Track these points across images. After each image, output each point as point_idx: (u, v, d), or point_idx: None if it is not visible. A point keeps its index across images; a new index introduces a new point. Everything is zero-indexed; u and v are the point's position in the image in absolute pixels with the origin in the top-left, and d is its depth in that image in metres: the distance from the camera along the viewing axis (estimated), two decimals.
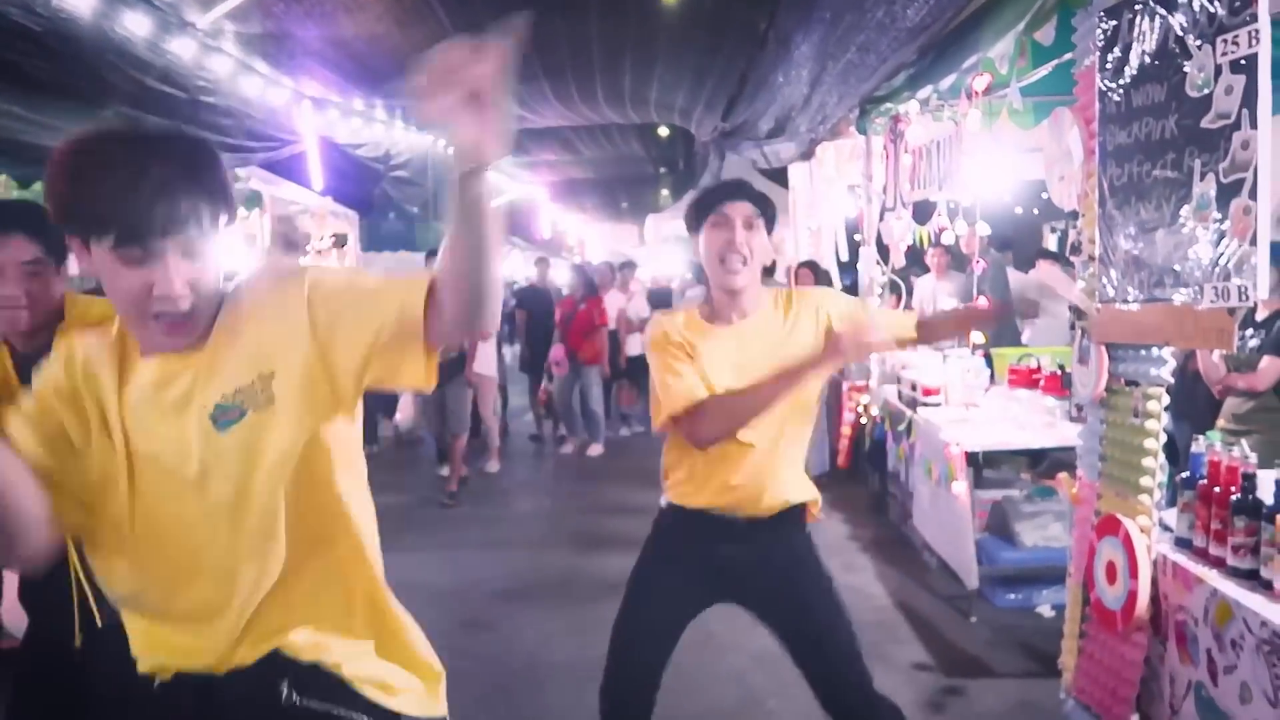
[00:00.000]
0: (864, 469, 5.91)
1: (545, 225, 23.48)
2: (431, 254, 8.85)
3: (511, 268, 19.24)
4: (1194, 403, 4.13)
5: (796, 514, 2.25)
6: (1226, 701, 2.09)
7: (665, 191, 27.63)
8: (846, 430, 5.98)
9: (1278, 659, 1.92)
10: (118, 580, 1.31)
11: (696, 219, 2.24)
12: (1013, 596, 4.08)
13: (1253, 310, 4.03)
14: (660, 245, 16.04)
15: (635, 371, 9.96)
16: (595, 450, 8.00)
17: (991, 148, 4.54)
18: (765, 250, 2.22)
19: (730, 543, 2.21)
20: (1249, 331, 4.01)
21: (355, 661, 1.34)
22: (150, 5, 6.87)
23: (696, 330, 2.23)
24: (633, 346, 9.33)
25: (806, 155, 7.06)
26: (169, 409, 1.26)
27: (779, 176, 12.61)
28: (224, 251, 1.26)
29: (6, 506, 1.14)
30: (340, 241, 11.60)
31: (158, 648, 1.32)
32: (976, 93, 4.00)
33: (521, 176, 19.08)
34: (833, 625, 2.25)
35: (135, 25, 6.79)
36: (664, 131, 16.04)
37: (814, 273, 7.10)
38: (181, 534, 1.27)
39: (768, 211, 2.25)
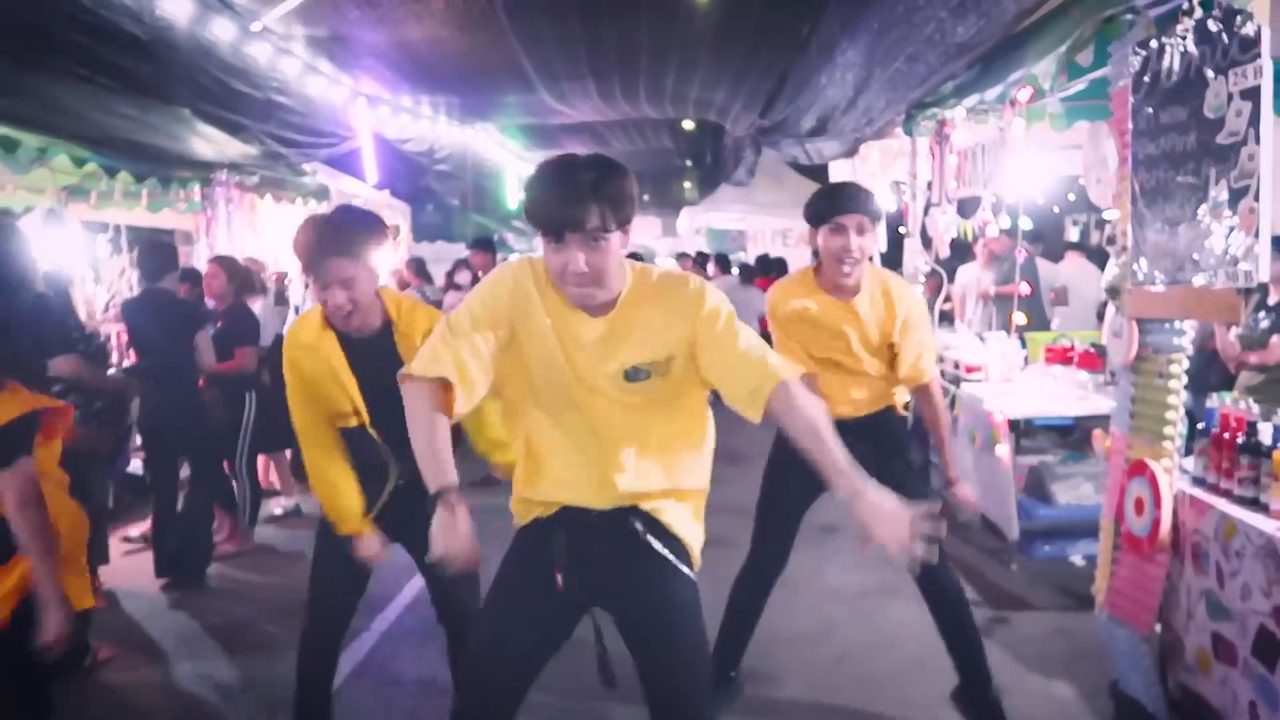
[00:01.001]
0: (906, 444, 6.41)
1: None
2: (477, 244, 9.35)
3: None
4: (1210, 379, 4.63)
5: (890, 412, 3.08)
6: (1231, 600, 2.63)
7: (688, 184, 28.06)
8: None
9: (1272, 561, 2.45)
10: (542, 447, 2.03)
11: (815, 220, 2.81)
12: (1048, 548, 4.59)
13: (1265, 295, 4.54)
14: (693, 237, 16.52)
15: None
16: None
17: (1030, 148, 5.05)
18: (873, 246, 2.85)
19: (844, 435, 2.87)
20: (1261, 314, 4.52)
21: (682, 525, 2.05)
22: (233, 11, 7.45)
23: (811, 292, 2.90)
24: None
25: (850, 153, 7.55)
26: (590, 349, 1.93)
27: (811, 173, 13.10)
28: (619, 249, 1.88)
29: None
30: (395, 233, 12.18)
31: (559, 490, 2.01)
32: (1019, 102, 4.51)
33: None
34: (913, 489, 2.89)
35: (221, 31, 7.38)
36: (688, 125, 16.50)
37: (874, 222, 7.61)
38: (580, 419, 1.98)
39: (875, 212, 2.83)
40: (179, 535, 4.64)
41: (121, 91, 6.59)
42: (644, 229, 30.57)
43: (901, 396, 3.13)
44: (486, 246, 9.23)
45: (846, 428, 2.83)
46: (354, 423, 2.59)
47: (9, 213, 8.22)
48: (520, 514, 2.10)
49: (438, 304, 8.48)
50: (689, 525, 2.08)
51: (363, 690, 3.47)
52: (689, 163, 23.79)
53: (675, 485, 2.03)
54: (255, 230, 8.29)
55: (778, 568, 3.16)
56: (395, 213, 12.27)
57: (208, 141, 7.58)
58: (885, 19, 5.70)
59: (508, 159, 17.15)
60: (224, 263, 5.45)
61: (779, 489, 3.11)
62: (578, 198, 1.79)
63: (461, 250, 14.13)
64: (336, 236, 2.42)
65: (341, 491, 2.60)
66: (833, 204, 2.82)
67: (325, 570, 2.77)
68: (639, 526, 2.00)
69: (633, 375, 1.93)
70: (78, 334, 4.13)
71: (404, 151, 12.57)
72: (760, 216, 14.78)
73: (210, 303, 5.41)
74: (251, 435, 5.11)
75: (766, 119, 10.98)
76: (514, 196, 17.30)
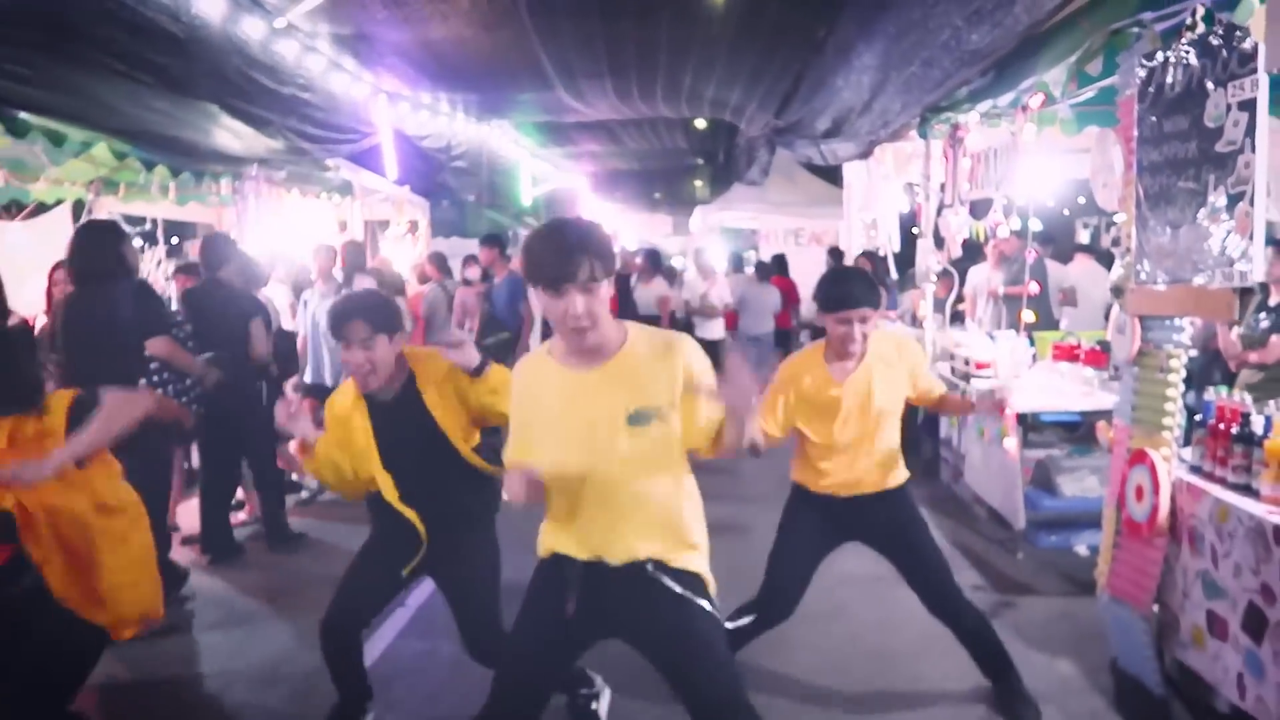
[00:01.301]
0: (917, 439, 6.59)
1: (585, 215, 24.20)
2: (485, 240, 9.53)
3: None
4: (1213, 376, 4.79)
5: (898, 488, 3.26)
6: (1224, 579, 2.80)
7: (699, 183, 28.18)
8: None
9: (1260, 541, 2.63)
10: (560, 499, 2.27)
11: (824, 308, 3.11)
12: (1053, 538, 4.76)
13: (1266, 296, 4.70)
14: (706, 235, 16.70)
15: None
16: None
17: (1041, 151, 5.22)
18: (874, 325, 3.10)
19: (848, 510, 3.22)
20: (1262, 315, 4.68)
21: (692, 562, 2.29)
22: (262, 9, 7.65)
23: (814, 367, 3.16)
24: (706, 331, 9.68)
25: (865, 155, 7.71)
26: (592, 393, 2.18)
27: (824, 172, 13.24)
28: (605, 298, 2.14)
29: None
30: (414, 227, 12.40)
31: (575, 543, 2.27)
32: (1031, 108, 4.68)
33: (565, 166, 19.79)
34: (930, 551, 3.24)
35: (251, 29, 7.60)
36: (701, 124, 16.66)
37: (872, 261, 7.80)
38: (587, 475, 2.19)
39: (877, 301, 3.09)
40: (266, 512, 5.10)
41: (158, 88, 6.80)
42: (655, 226, 30.75)
43: (902, 474, 3.32)
44: (494, 242, 9.41)
45: (855, 504, 3.19)
46: (376, 488, 2.91)
47: (45, 206, 8.46)
48: (541, 550, 2.36)
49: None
50: (699, 562, 2.31)
51: (401, 661, 3.67)
52: (700, 161, 23.90)
53: (680, 540, 2.27)
54: (282, 224, 8.50)
55: (780, 618, 3.34)
56: (415, 208, 12.48)
57: (237, 137, 7.79)
58: (901, 24, 5.84)
59: (522, 156, 17.32)
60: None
61: (792, 540, 3.31)
62: (570, 254, 2.08)
63: (475, 246, 14.33)
64: (358, 305, 2.81)
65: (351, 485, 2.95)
66: (840, 299, 3.06)
67: (374, 556, 3.04)
68: (653, 570, 2.24)
69: (635, 419, 2.16)
70: (171, 319, 4.44)
71: (422, 148, 12.76)
72: (773, 215, 14.98)
73: None
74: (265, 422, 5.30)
75: (782, 119, 11.11)
76: (528, 193, 17.44)
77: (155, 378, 4.53)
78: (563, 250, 2.09)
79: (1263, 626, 2.62)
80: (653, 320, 9.47)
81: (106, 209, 9.50)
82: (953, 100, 5.57)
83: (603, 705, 3.19)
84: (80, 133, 5.88)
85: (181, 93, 7.15)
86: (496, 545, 3.06)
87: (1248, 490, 2.81)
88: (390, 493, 2.86)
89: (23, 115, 5.44)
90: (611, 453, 2.17)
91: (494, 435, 2.88)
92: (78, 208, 8.89)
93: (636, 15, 8.76)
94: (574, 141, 17.42)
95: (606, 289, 2.13)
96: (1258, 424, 2.87)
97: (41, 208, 8.59)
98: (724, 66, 10.51)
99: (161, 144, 6.69)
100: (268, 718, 3.35)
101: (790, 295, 10.86)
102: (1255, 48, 2.71)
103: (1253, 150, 2.73)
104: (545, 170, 18.56)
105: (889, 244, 7.50)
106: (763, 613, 3.33)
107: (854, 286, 3.09)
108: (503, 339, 8.14)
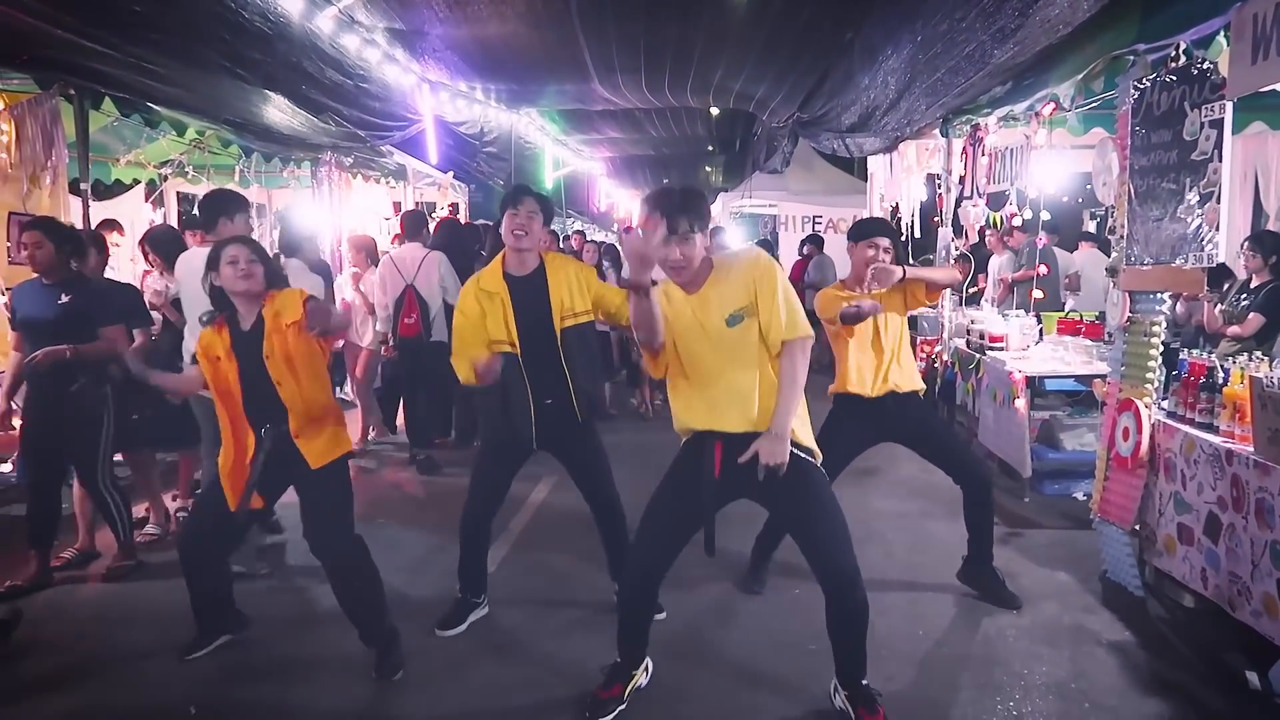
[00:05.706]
0: (934, 403, 7.34)
1: (601, 199, 24.95)
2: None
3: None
4: (1198, 346, 5.53)
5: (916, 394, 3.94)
6: (1190, 497, 3.56)
7: (710, 169, 28.78)
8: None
9: (1216, 464, 3.38)
10: (681, 388, 2.92)
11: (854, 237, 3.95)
12: (1056, 486, 5.52)
13: (1248, 280, 5.44)
14: (728, 220, 17.43)
15: None
16: None
17: (1053, 149, 5.95)
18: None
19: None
20: (1243, 296, 5.42)
21: (801, 436, 2.91)
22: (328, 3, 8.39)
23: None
24: None
25: (889, 149, 8.41)
26: (696, 312, 2.84)
27: (842, 163, 13.95)
28: (701, 245, 2.78)
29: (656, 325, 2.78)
30: (455, 210, 13.13)
31: (702, 419, 2.89)
32: (1043, 115, 5.41)
33: (584, 152, 20.47)
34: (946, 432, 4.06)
35: (322, 24, 8.36)
36: (715, 111, 17.30)
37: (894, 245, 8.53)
38: (707, 368, 2.86)
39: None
40: None
41: (252, 82, 7.55)
42: None
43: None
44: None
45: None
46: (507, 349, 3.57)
47: (122, 185, 9.23)
48: (683, 433, 3.00)
49: None
50: (805, 435, 2.95)
51: (513, 569, 4.44)
52: (710, 149, 24.51)
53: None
54: (352, 206, 9.26)
55: None
56: (458, 193, 13.23)
57: (310, 126, 8.56)
58: (929, 35, 6.54)
59: (546, 142, 18.02)
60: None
61: (836, 435, 3.94)
62: (672, 213, 2.74)
63: None
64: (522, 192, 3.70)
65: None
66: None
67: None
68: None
69: (731, 320, 2.81)
70: None
71: (459, 133, 13.49)
72: (793, 203, 15.69)
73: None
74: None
75: (805, 113, 11.80)
76: (550, 177, 18.15)
77: None
78: (671, 209, 2.70)
79: (1218, 529, 3.38)
80: None
81: (176, 189, 10.30)
82: (974, 105, 6.28)
83: (644, 678, 3.26)
84: (196, 122, 6.63)
85: (272, 87, 7.93)
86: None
87: (1209, 428, 3.56)
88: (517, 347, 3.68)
89: (154, 107, 6.18)
90: (717, 347, 2.81)
91: None
92: (150, 187, 9.68)
93: (680, 16, 9.46)
94: (597, 129, 18.07)
95: (701, 240, 2.75)
96: (1218, 375, 3.61)
97: (119, 186, 9.38)
98: (754, 63, 11.20)
99: (258, 134, 7.44)
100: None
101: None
102: (1223, 79, 3.45)
103: (1220, 160, 3.47)
104: (565, 155, 19.23)
105: (910, 231, 8.22)
106: None
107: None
108: None
